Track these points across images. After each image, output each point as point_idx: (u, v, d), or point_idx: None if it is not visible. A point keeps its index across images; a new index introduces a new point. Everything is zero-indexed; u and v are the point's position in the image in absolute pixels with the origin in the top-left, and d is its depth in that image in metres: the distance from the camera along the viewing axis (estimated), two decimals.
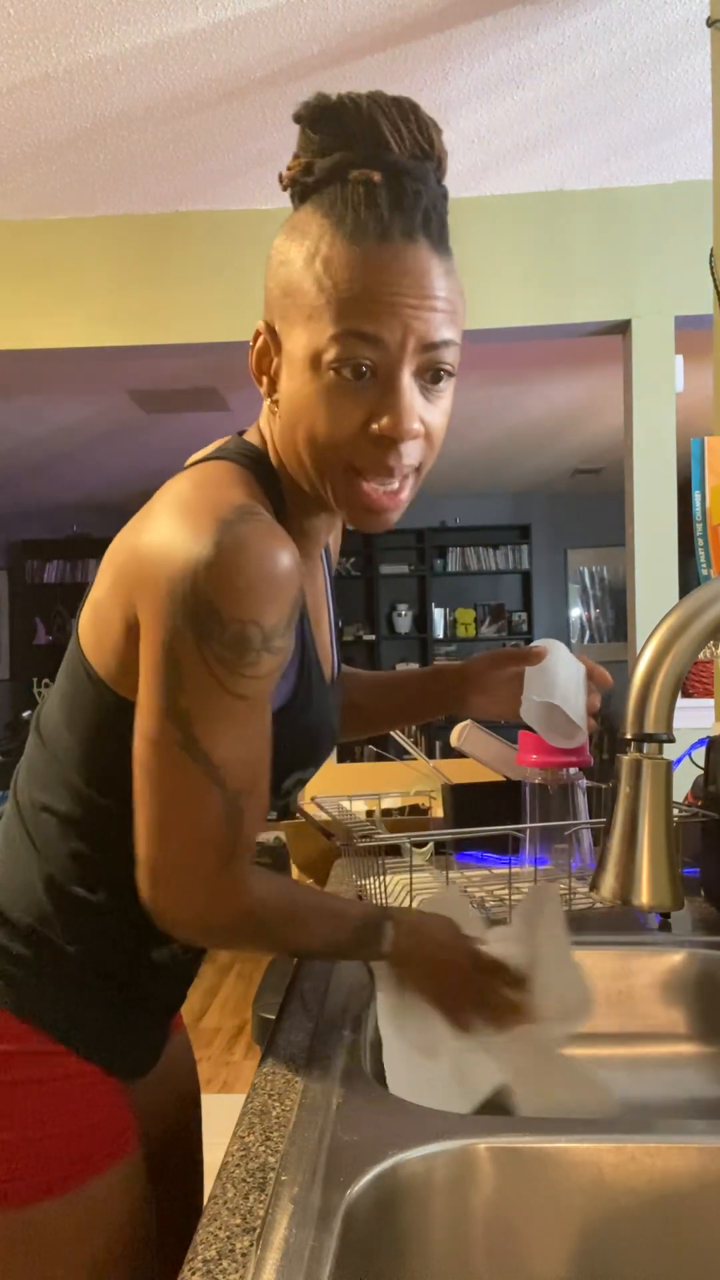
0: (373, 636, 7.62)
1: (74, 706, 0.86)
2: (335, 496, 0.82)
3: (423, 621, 7.75)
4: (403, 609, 7.74)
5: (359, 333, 0.75)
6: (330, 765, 4.69)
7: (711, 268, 2.03)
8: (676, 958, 1.09)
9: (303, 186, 0.81)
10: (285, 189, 0.83)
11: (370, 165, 0.77)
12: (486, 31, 2.45)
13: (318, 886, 1.46)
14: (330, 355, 0.76)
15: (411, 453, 0.80)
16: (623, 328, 3.33)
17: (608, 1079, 1.02)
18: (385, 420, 0.77)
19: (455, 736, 1.54)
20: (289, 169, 0.82)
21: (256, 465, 0.85)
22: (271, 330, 0.82)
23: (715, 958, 1.08)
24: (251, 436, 0.89)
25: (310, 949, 0.86)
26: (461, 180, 3.15)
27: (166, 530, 0.75)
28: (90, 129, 2.80)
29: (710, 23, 2.08)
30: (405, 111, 0.79)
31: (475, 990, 0.86)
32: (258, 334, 0.83)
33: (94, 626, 0.83)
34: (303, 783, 0.94)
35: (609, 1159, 0.71)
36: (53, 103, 2.67)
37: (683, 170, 3.13)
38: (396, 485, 0.81)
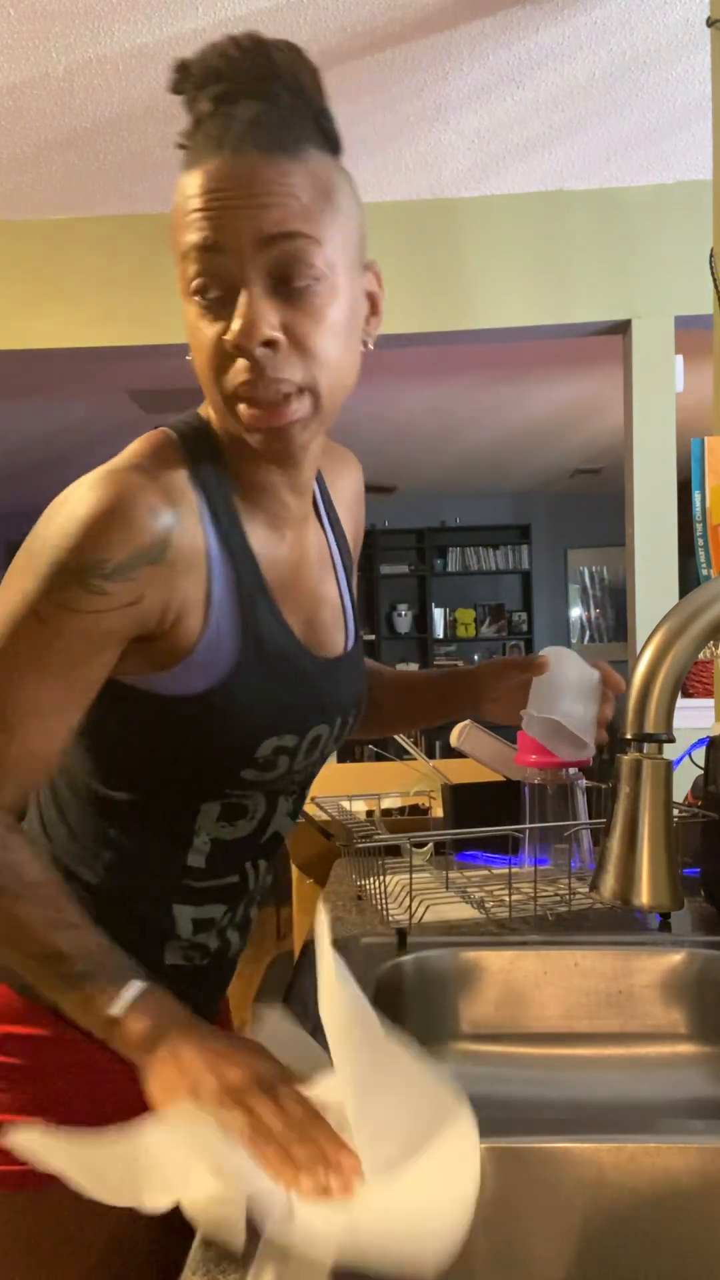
0: (373, 636, 7.62)
1: None
2: (235, 429, 0.79)
3: (423, 621, 7.75)
4: (403, 609, 7.74)
5: (196, 245, 0.73)
6: (330, 765, 4.68)
7: (711, 268, 2.03)
8: (676, 958, 1.09)
9: (186, 140, 0.79)
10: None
11: (201, 101, 0.77)
12: (486, 31, 2.45)
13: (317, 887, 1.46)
14: (184, 283, 0.75)
15: (277, 365, 0.74)
16: (623, 328, 3.33)
17: (608, 1078, 1.02)
18: (230, 330, 0.73)
19: (455, 736, 1.54)
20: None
21: (193, 433, 0.83)
22: None
23: (715, 958, 1.08)
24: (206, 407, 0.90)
25: (10, 939, 0.73)
26: (461, 180, 3.15)
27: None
28: (90, 129, 2.79)
29: (710, 23, 2.08)
30: (239, 41, 0.79)
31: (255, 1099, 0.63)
32: None
33: None
34: (287, 752, 0.87)
35: (609, 1159, 0.71)
36: (53, 103, 2.67)
37: (683, 170, 3.13)
38: (272, 405, 0.76)
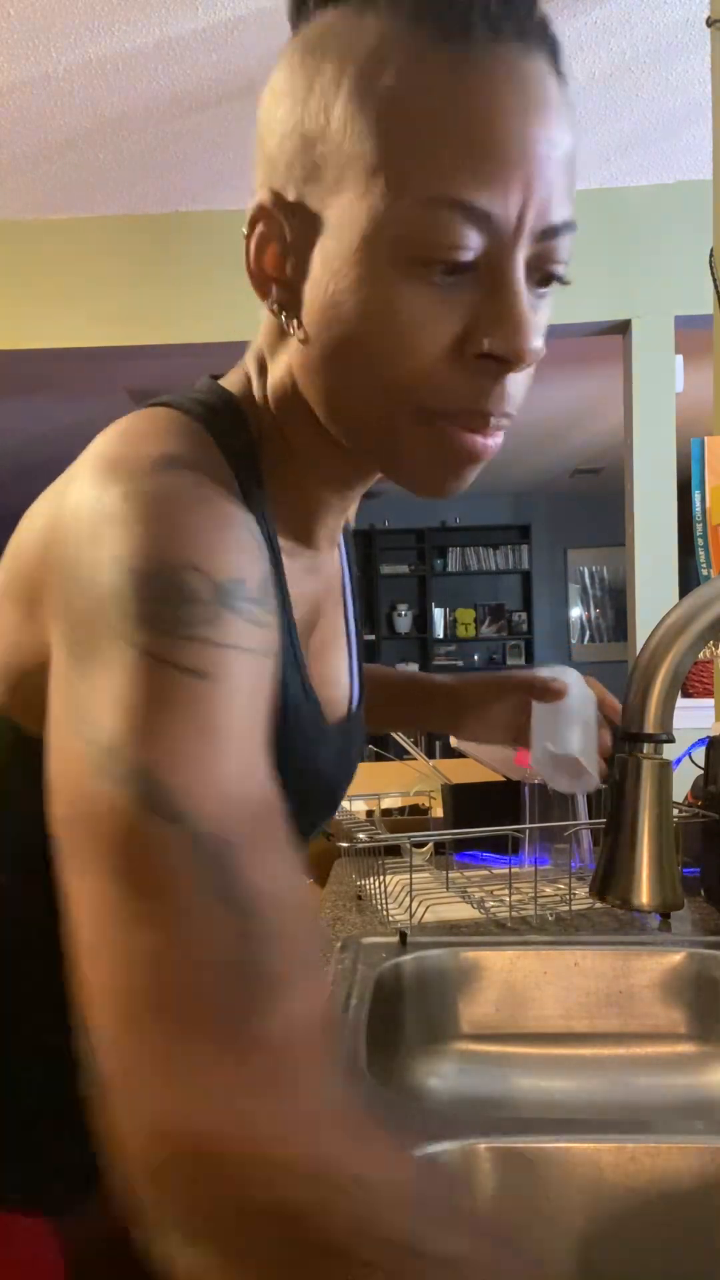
0: (373, 636, 7.62)
1: None
2: (403, 451, 0.56)
3: (423, 621, 7.75)
4: (403, 609, 7.74)
5: (459, 202, 0.48)
6: None
7: (711, 268, 2.03)
8: (676, 958, 1.09)
9: None
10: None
11: None
12: None
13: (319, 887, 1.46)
14: (419, 239, 0.49)
15: (520, 386, 0.55)
16: (623, 328, 3.33)
17: (608, 1078, 1.02)
18: (497, 335, 0.51)
19: (455, 736, 1.54)
20: None
21: (213, 415, 0.59)
22: (283, 204, 0.54)
23: (715, 958, 1.08)
24: (231, 382, 0.64)
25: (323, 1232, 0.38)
26: None
27: (64, 499, 0.52)
28: (90, 129, 2.80)
29: (710, 23, 2.07)
30: None
31: None
32: (254, 219, 0.55)
33: None
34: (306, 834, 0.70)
35: (609, 1159, 0.71)
36: (53, 103, 2.67)
37: (683, 170, 3.13)
38: (497, 426, 0.55)
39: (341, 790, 0.76)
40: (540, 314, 0.55)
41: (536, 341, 0.52)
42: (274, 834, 0.44)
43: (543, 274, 0.54)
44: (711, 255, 2.04)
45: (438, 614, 7.76)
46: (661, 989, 1.09)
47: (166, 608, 0.45)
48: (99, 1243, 0.61)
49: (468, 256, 0.50)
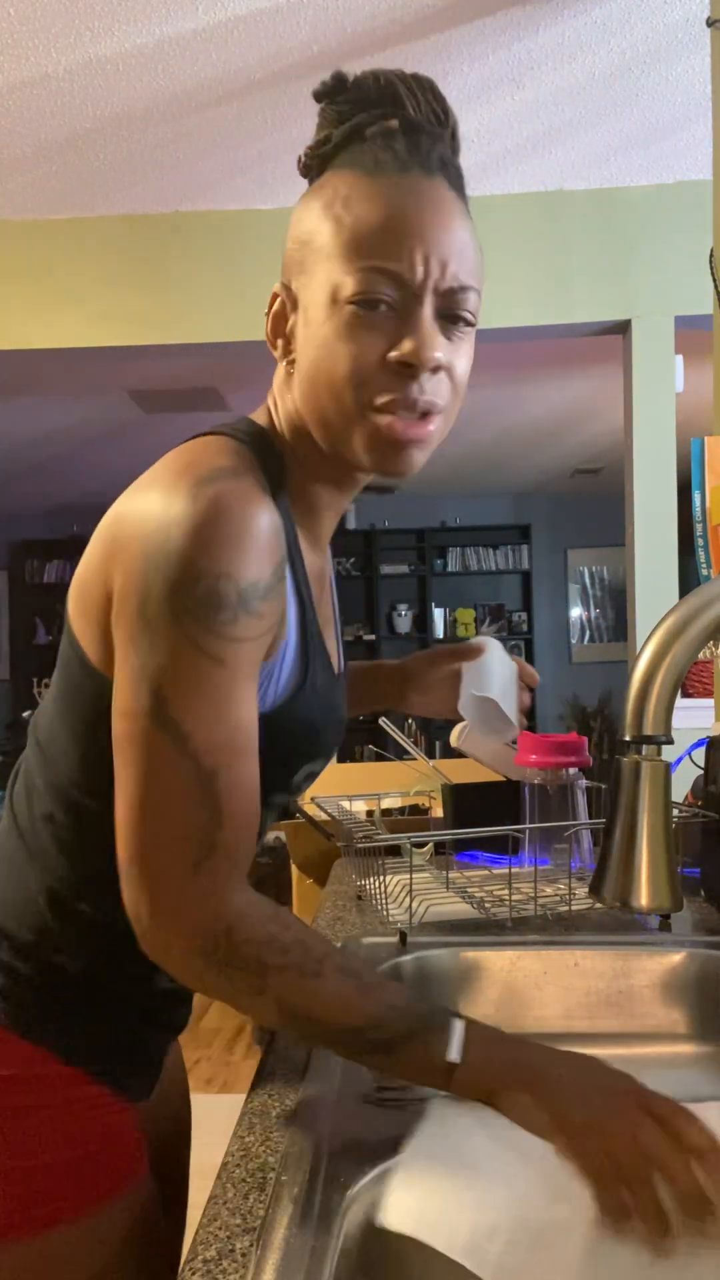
0: (373, 636, 7.62)
1: (69, 703, 0.81)
2: (358, 438, 0.78)
3: (423, 621, 7.74)
4: (403, 609, 7.74)
5: (378, 268, 0.74)
6: (330, 765, 4.68)
7: (711, 268, 2.03)
8: (676, 958, 1.09)
9: (321, 156, 0.81)
10: (304, 165, 0.83)
11: (388, 114, 0.78)
12: (486, 31, 2.45)
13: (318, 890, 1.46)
14: (349, 290, 0.74)
15: (435, 389, 0.77)
16: (623, 328, 3.33)
17: None
18: (406, 345, 0.74)
19: (455, 736, 1.54)
20: (306, 152, 0.82)
21: (254, 440, 0.81)
22: (288, 289, 0.81)
23: (715, 958, 1.08)
24: (258, 417, 0.87)
25: (320, 1018, 0.68)
26: None
27: (144, 494, 0.73)
28: (90, 129, 2.80)
29: (710, 23, 2.07)
30: (422, 83, 0.80)
31: (656, 1153, 0.59)
32: (275, 297, 0.83)
33: (81, 607, 0.78)
34: (313, 776, 0.89)
35: None
36: (53, 103, 2.67)
37: (683, 170, 3.13)
38: (420, 418, 0.77)
39: (340, 736, 0.94)
40: (462, 344, 0.79)
41: (435, 353, 0.75)
42: (244, 770, 0.70)
43: (453, 316, 0.77)
44: (711, 255, 2.04)
45: (438, 614, 7.76)
46: (661, 989, 1.09)
47: (203, 607, 0.68)
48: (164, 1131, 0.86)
49: (386, 299, 0.74)
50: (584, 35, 2.47)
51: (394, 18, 2.37)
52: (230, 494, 0.70)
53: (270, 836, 5.47)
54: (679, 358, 3.30)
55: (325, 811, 1.53)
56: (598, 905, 1.22)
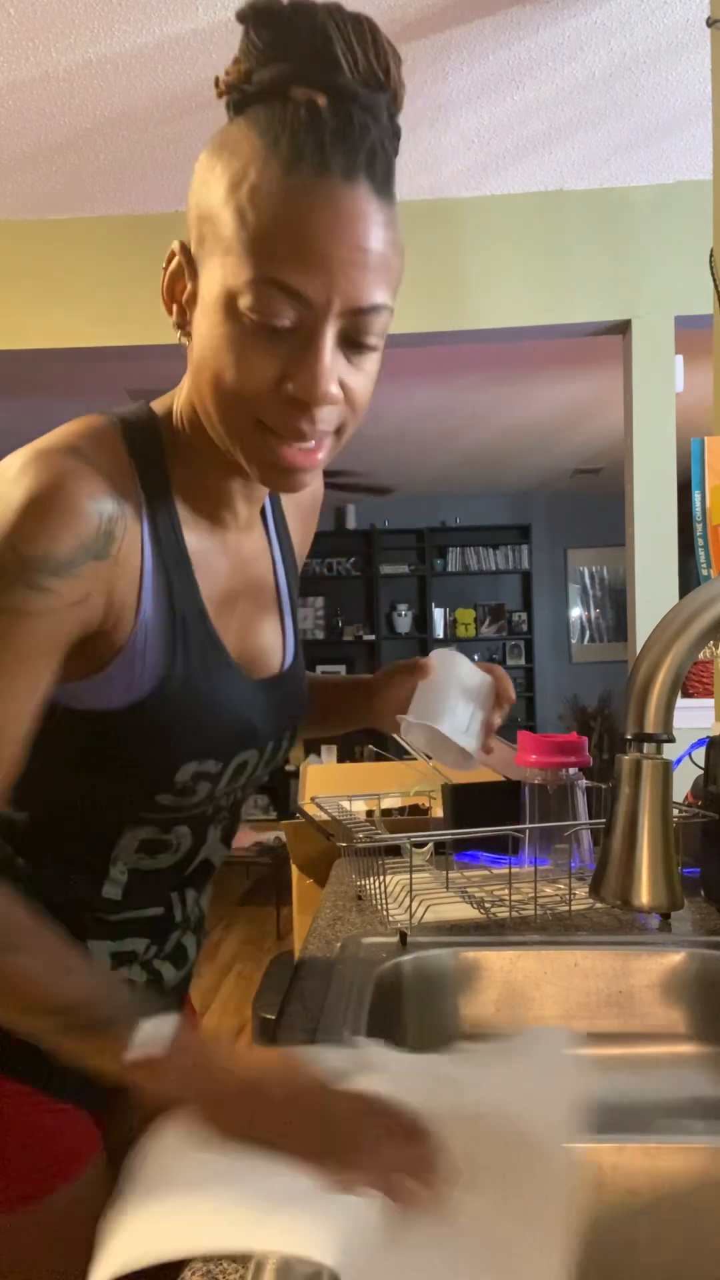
0: (373, 636, 7.62)
1: None
2: (243, 452, 0.74)
3: (423, 621, 7.74)
4: (403, 609, 7.74)
5: (280, 283, 0.66)
6: (330, 765, 4.68)
7: (711, 268, 2.03)
8: (676, 958, 1.09)
9: (239, 95, 0.71)
10: (220, 96, 0.73)
11: (315, 85, 0.68)
12: (486, 31, 2.45)
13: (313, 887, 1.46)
14: (245, 301, 0.68)
15: (327, 417, 0.72)
16: (623, 328, 3.33)
17: (608, 1079, 1.02)
18: (299, 382, 0.69)
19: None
20: (226, 73, 0.72)
21: (130, 425, 0.78)
22: (187, 253, 0.74)
23: (715, 958, 1.08)
24: (175, 392, 0.83)
25: (12, 997, 0.66)
26: (461, 180, 3.15)
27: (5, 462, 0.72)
28: (90, 129, 2.79)
29: (710, 23, 2.08)
30: (363, 31, 0.69)
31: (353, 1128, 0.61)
32: (172, 255, 0.75)
33: None
34: (208, 778, 0.82)
35: (609, 1159, 0.71)
36: (53, 103, 2.67)
37: (683, 170, 3.13)
38: (311, 445, 0.73)
39: (280, 739, 0.88)
40: (362, 371, 0.73)
41: (332, 388, 0.70)
42: None
43: (356, 343, 0.71)
44: (711, 255, 2.04)
45: (438, 614, 7.76)
46: (661, 989, 1.09)
47: None
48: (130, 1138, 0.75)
49: (284, 323, 0.68)
50: (584, 35, 2.47)
51: (394, 18, 2.37)
52: (50, 469, 0.68)
53: (270, 836, 5.47)
54: (679, 358, 3.29)
55: (325, 811, 1.53)
56: (598, 905, 1.22)
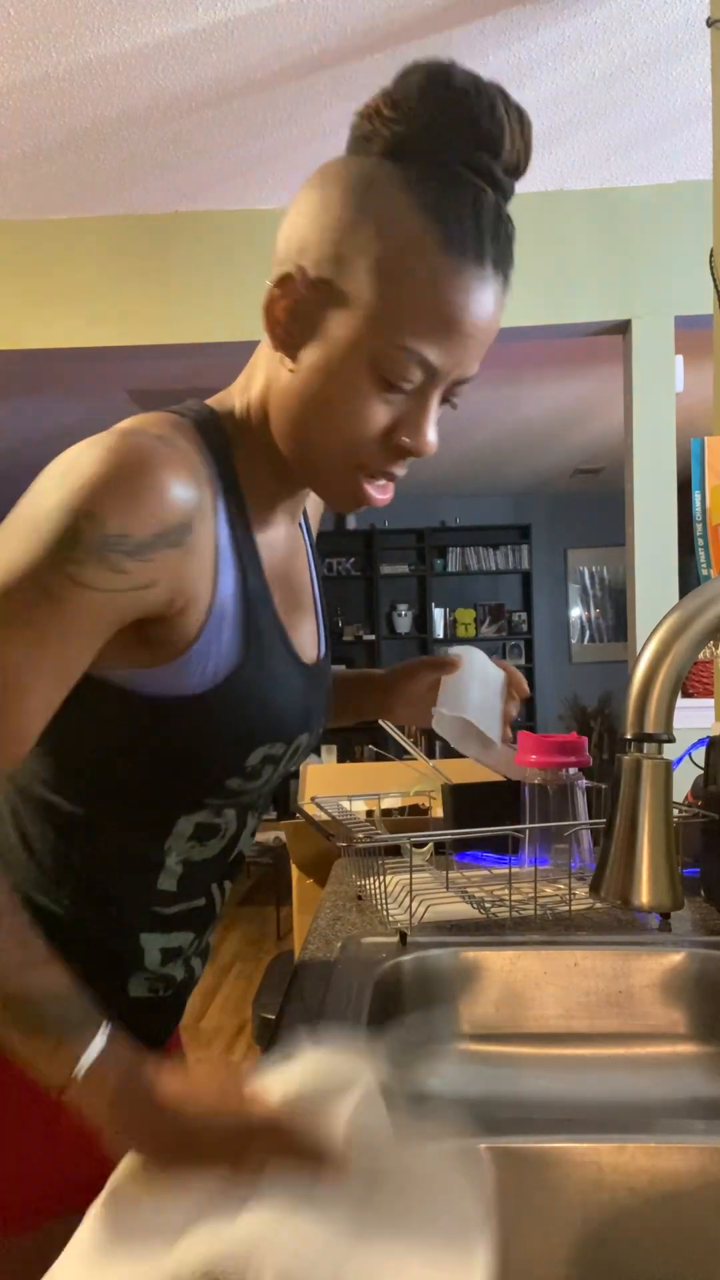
0: (373, 636, 7.62)
1: None
2: (327, 484, 0.80)
3: (423, 621, 7.74)
4: (403, 609, 7.74)
5: (419, 355, 0.72)
6: (330, 765, 4.69)
7: (711, 268, 2.03)
8: (676, 958, 1.09)
9: (390, 137, 0.71)
10: (364, 120, 0.73)
11: (483, 174, 0.71)
12: (486, 31, 2.45)
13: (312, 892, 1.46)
14: (383, 367, 0.73)
15: (409, 461, 0.80)
16: (623, 328, 3.33)
17: (608, 1078, 1.02)
18: (410, 434, 0.76)
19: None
20: (381, 112, 0.72)
21: (200, 419, 0.80)
22: (314, 285, 0.74)
23: (715, 958, 1.08)
24: (224, 395, 0.85)
25: None
26: None
27: (77, 444, 0.72)
28: (90, 129, 2.79)
29: (710, 23, 2.07)
30: (527, 126, 0.73)
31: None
32: (288, 278, 0.74)
33: None
34: (273, 761, 0.84)
35: (609, 1159, 0.71)
36: (53, 103, 2.67)
37: (683, 170, 3.13)
38: (389, 486, 0.82)
39: (312, 724, 0.90)
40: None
41: (434, 440, 0.78)
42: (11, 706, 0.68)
43: (446, 399, 0.79)
44: (711, 255, 2.04)
45: (438, 614, 7.76)
46: (661, 989, 1.09)
47: (55, 537, 0.66)
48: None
49: (409, 388, 0.74)
50: (584, 35, 2.47)
51: (394, 17, 2.37)
52: (140, 449, 0.69)
53: (270, 836, 5.48)
54: (679, 358, 3.30)
55: (325, 811, 1.53)
56: (598, 905, 1.22)
